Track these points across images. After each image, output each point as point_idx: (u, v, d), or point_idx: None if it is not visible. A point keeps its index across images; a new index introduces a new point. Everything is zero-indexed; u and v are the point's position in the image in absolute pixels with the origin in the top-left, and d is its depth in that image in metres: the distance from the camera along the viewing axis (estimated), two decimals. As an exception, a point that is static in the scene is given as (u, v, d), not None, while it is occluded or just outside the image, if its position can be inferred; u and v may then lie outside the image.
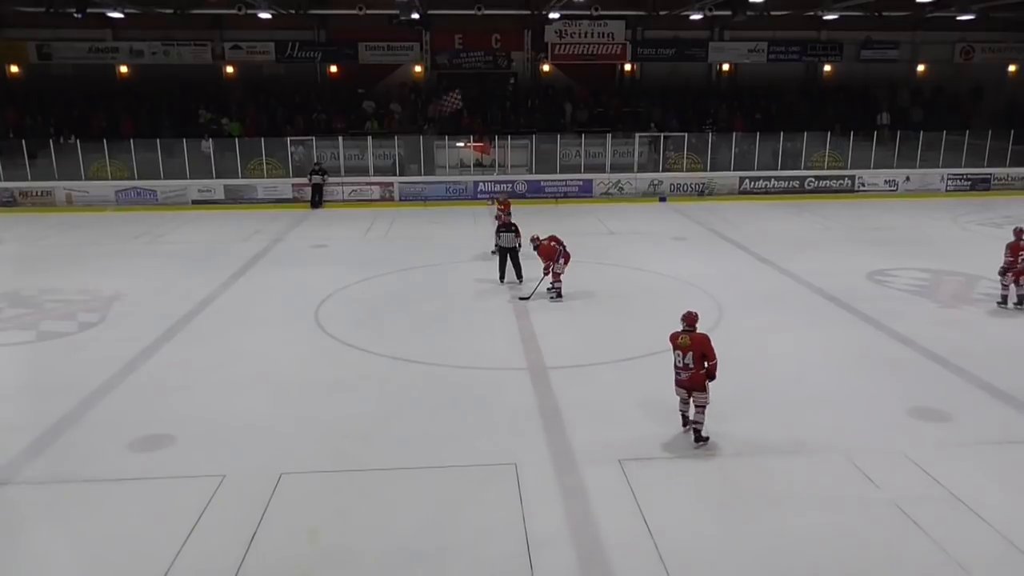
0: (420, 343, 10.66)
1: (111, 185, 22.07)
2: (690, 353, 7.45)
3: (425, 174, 23.10)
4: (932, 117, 25.55)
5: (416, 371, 9.71)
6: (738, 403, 8.18)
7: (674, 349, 7.59)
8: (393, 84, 26.97)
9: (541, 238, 12.65)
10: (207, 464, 7.32)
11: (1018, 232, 12.07)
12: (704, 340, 7.52)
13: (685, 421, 7.87)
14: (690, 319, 7.66)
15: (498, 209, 15.71)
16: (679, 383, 7.63)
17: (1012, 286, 11.97)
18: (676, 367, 7.59)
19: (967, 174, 24.17)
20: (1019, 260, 11.83)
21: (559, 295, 12.54)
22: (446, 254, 15.91)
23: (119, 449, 7.66)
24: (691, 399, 7.61)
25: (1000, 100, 27.70)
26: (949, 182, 24.16)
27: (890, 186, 23.97)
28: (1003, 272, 12.01)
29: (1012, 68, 28.30)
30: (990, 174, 24.19)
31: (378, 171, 23.05)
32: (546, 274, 12.54)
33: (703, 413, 7.57)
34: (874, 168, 23.97)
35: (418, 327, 11.45)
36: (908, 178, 23.96)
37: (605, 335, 11.04)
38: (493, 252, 15.48)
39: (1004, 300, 12.08)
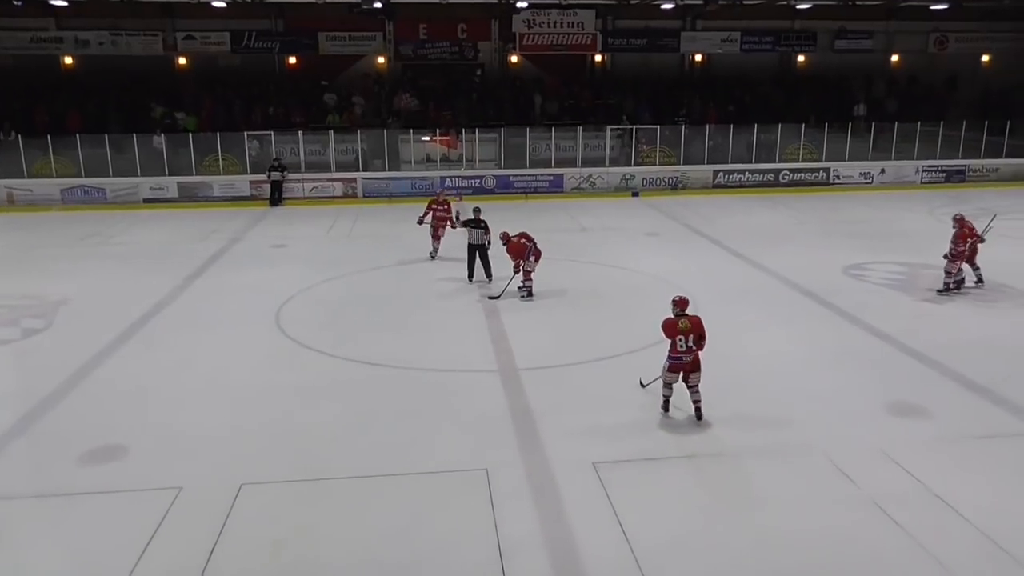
0: (386, 345, 10.38)
1: (56, 183, 21.01)
2: (691, 335, 7.80)
3: (389, 169, 22.37)
4: (907, 108, 25.36)
5: (383, 374, 9.49)
6: (714, 401, 8.10)
7: (675, 336, 7.82)
8: (355, 76, 26.15)
9: (511, 235, 12.38)
10: (162, 476, 7.07)
11: (959, 220, 12.32)
12: (699, 321, 7.96)
13: (667, 406, 8.11)
14: (683, 303, 7.97)
15: (434, 205, 14.87)
16: (678, 367, 7.86)
17: (956, 271, 12.27)
18: (677, 351, 7.82)
19: (942, 166, 23.98)
20: (967, 247, 12.22)
21: (530, 294, 12.37)
22: (412, 252, 15.36)
23: (68, 462, 7.37)
24: (687, 380, 7.89)
25: (974, 90, 27.56)
26: (924, 174, 23.96)
27: (865, 178, 23.73)
28: (951, 259, 12.27)
29: (986, 58, 28.25)
30: (965, 165, 24.03)
31: (340, 167, 22.28)
32: (516, 272, 12.37)
33: (698, 391, 7.91)
34: (849, 160, 23.70)
35: (384, 329, 11.16)
36: (883, 170, 23.72)
37: (578, 334, 10.86)
38: (432, 256, 14.84)
39: (946, 288, 12.31)
